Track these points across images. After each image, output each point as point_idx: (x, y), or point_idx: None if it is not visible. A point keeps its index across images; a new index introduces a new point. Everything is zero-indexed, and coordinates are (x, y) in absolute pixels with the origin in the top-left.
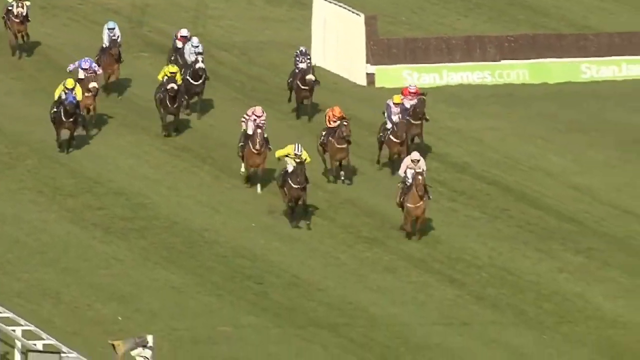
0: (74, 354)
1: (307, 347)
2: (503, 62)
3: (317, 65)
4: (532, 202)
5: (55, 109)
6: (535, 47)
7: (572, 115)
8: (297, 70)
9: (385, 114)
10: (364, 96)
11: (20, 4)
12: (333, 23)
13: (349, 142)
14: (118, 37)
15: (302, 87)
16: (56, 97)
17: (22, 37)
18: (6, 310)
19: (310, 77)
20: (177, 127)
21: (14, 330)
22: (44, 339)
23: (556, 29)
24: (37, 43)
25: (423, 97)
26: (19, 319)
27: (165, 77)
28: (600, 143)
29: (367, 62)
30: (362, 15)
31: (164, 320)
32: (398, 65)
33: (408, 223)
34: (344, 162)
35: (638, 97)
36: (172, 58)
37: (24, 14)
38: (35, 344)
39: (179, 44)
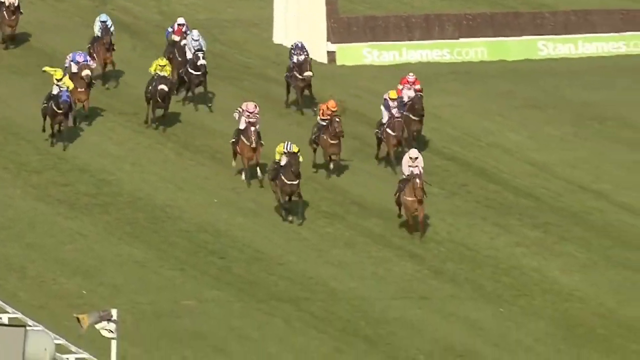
0: (40, 327)
1: (268, 320)
2: (461, 40)
3: (285, 45)
4: (490, 177)
5: (45, 103)
6: (493, 25)
7: (529, 93)
8: (292, 65)
9: (382, 109)
10: (325, 74)
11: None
12: (294, 2)
13: (341, 137)
14: (111, 26)
15: (299, 76)
16: (45, 70)
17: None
18: None
19: (307, 73)
20: (164, 119)
21: None
22: (9, 313)
23: (514, 7)
24: None
25: (420, 93)
26: None
27: (156, 73)
28: (557, 120)
29: (328, 40)
30: None
31: (128, 295)
32: (358, 44)
33: (409, 219)
34: (334, 157)
35: (593, 74)
36: (170, 55)
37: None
38: (0, 318)
39: (176, 38)
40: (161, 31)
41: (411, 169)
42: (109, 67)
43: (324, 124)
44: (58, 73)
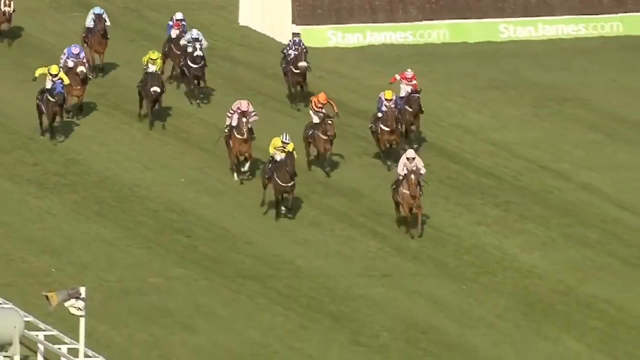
0: (9, 305)
1: (234, 297)
2: (424, 22)
3: (250, 27)
4: (452, 157)
5: (39, 97)
6: (455, 8)
7: (491, 74)
8: (289, 58)
9: (377, 106)
10: None
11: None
12: None
13: (333, 137)
14: (104, 15)
15: (295, 70)
16: (37, 75)
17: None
18: None
19: (302, 63)
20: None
21: None
22: None
23: None
24: None
25: (417, 95)
26: None
27: (147, 68)
28: (517, 100)
29: (293, 22)
30: None
31: (96, 272)
32: (323, 26)
33: (406, 210)
34: (327, 152)
35: (553, 56)
36: (167, 49)
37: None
38: None
39: (174, 33)
40: (129, 13)
41: (407, 168)
42: (102, 59)
43: (317, 120)
44: (54, 68)
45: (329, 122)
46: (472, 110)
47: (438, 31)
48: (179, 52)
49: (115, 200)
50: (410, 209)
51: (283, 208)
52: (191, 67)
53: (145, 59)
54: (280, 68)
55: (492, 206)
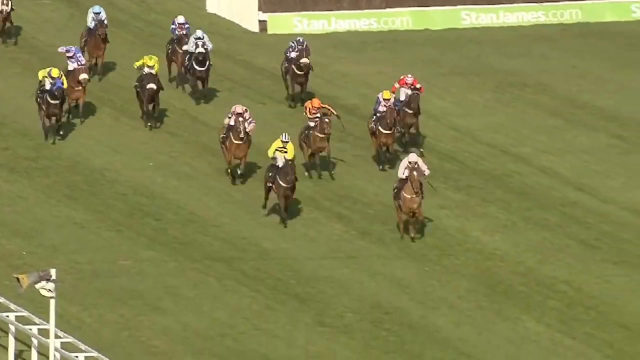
0: None
1: (202, 279)
2: (388, 9)
3: (218, 15)
4: (415, 142)
5: (40, 95)
6: None
7: (453, 60)
8: (290, 57)
9: (374, 107)
10: (257, 42)
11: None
12: None
13: (328, 138)
14: (104, 19)
15: (298, 72)
16: (40, 78)
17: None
18: None
19: (305, 60)
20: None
21: None
22: None
23: None
24: None
25: (417, 92)
26: None
27: (144, 71)
28: (479, 86)
29: (260, 9)
30: None
31: (67, 255)
32: (289, 13)
33: (404, 216)
34: (323, 153)
35: (514, 43)
36: (170, 49)
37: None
38: None
39: (178, 33)
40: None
41: (408, 171)
42: (99, 62)
43: (313, 124)
44: (55, 71)
45: (326, 120)
46: (435, 96)
47: (401, 18)
48: (182, 53)
49: (86, 184)
50: (413, 214)
51: (281, 213)
52: (196, 69)
53: (138, 63)
54: (281, 69)
55: (454, 190)
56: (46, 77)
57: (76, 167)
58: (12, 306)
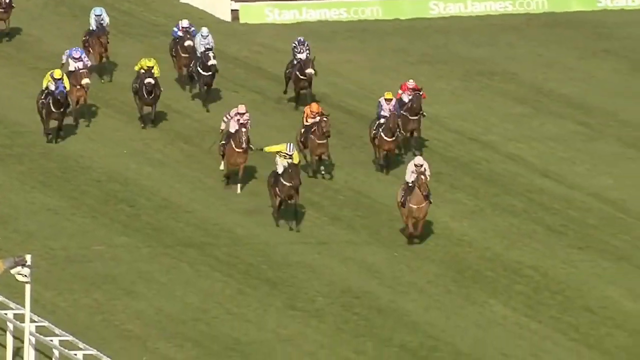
0: None
1: (175, 264)
2: None
3: (190, 4)
4: None
5: (43, 100)
6: None
7: (422, 49)
8: (295, 62)
9: (377, 111)
10: (229, 31)
11: None
12: None
13: (328, 137)
14: (106, 24)
15: (301, 77)
16: (44, 87)
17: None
18: None
19: (310, 70)
20: (154, 118)
21: None
22: None
23: None
24: None
25: (419, 93)
26: None
27: (142, 71)
28: (447, 75)
29: None
30: None
31: (41, 241)
32: (260, 2)
33: (410, 224)
34: (323, 157)
35: (481, 32)
36: (174, 51)
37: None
38: None
39: (180, 34)
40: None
41: (415, 175)
42: (103, 60)
43: (310, 125)
44: (57, 72)
45: (324, 119)
46: None
47: (371, 8)
48: (185, 55)
49: (60, 171)
50: (415, 223)
51: (286, 220)
52: (202, 74)
53: (137, 67)
54: (284, 72)
55: None
56: (49, 80)
57: (50, 154)
58: None
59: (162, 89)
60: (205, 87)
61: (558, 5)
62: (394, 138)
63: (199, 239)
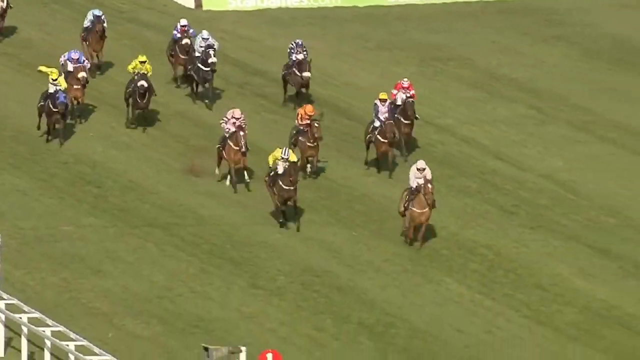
0: None
1: (141, 244)
2: None
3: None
4: (344, 114)
5: (42, 102)
6: None
7: (380, 36)
8: (291, 63)
9: (373, 114)
10: (192, 18)
11: None
12: None
13: (319, 140)
14: (103, 21)
15: (299, 75)
16: (42, 70)
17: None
18: None
19: (307, 74)
20: (145, 118)
21: None
22: None
23: None
24: None
25: (412, 99)
26: None
27: (136, 71)
28: (405, 60)
29: None
30: None
31: (11, 221)
32: None
33: (411, 229)
34: (311, 159)
35: (437, 19)
36: (172, 52)
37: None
38: None
39: (178, 36)
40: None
41: (418, 180)
42: (100, 57)
43: (303, 128)
44: (54, 73)
45: (316, 124)
46: (363, 70)
47: None
48: (183, 56)
49: (30, 154)
50: (416, 228)
51: (287, 221)
52: (201, 69)
53: (131, 65)
54: (282, 75)
55: None
56: (50, 82)
57: (20, 137)
58: None
59: (156, 93)
60: (206, 84)
61: None
62: (388, 141)
63: (165, 219)
